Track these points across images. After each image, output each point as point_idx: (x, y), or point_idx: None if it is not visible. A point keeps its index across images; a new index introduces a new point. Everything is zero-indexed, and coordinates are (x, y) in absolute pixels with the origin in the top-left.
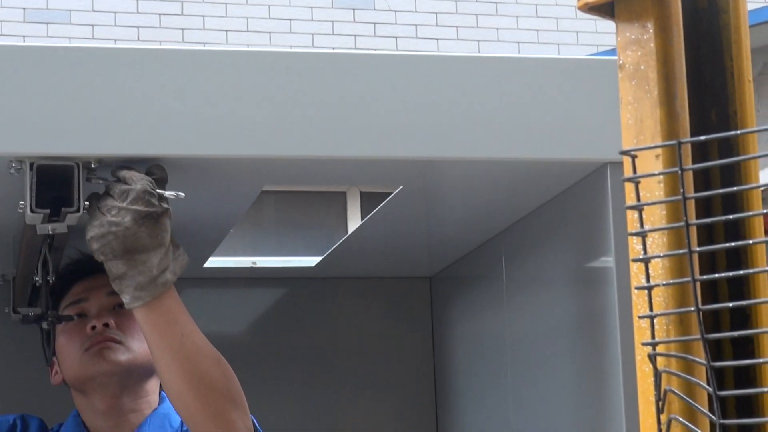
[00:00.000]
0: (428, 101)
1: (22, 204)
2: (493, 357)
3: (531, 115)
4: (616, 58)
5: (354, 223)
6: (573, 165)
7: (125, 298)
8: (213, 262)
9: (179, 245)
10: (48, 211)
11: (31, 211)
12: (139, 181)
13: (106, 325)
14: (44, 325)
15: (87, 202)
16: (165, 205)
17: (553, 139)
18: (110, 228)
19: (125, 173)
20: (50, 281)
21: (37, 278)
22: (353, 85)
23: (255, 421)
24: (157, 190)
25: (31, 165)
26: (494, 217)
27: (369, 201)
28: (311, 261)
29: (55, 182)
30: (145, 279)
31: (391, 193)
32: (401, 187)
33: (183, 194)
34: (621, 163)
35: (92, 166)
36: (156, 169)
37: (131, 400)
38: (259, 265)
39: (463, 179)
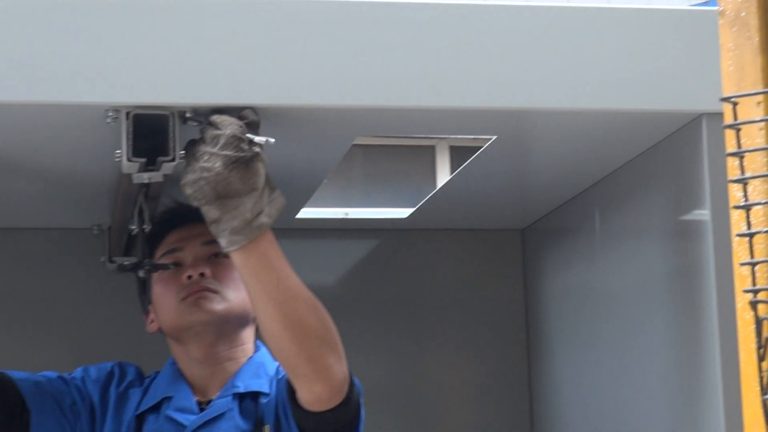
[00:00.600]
0: (522, 51)
1: (118, 153)
2: (586, 310)
3: (626, 65)
4: (710, 8)
5: (443, 177)
6: (668, 116)
7: (222, 242)
8: (305, 213)
9: (275, 187)
10: (144, 160)
11: (128, 160)
12: (228, 126)
13: (202, 274)
14: (140, 273)
15: (183, 151)
16: (256, 149)
17: (649, 90)
18: (202, 173)
19: (217, 118)
20: (146, 230)
21: (133, 227)
22: (447, 35)
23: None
24: (247, 135)
25: (127, 114)
26: (588, 169)
27: (458, 155)
28: (403, 212)
29: (151, 131)
30: (240, 223)
31: (482, 146)
32: (495, 137)
33: (273, 140)
34: (717, 114)
35: (187, 115)
36: (248, 113)
37: (227, 348)
38: (351, 216)
39: (557, 130)
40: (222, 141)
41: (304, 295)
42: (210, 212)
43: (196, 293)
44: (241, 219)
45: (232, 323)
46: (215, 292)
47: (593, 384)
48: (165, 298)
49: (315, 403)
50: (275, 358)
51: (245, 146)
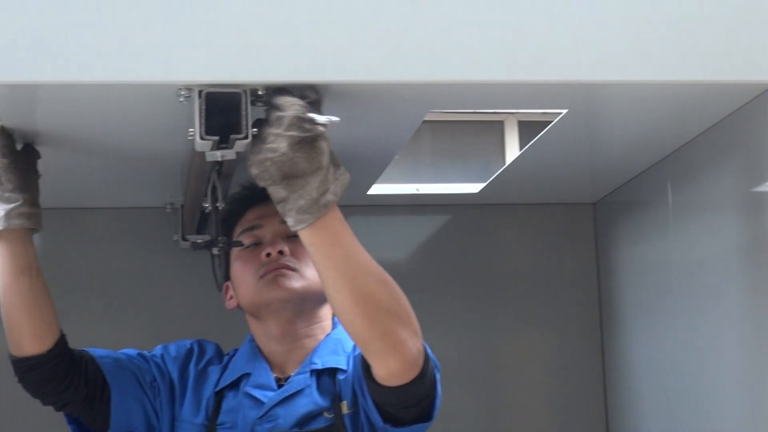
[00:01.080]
0: (593, 24)
1: (191, 132)
2: (660, 284)
3: (698, 36)
4: None
5: (512, 152)
6: (739, 87)
7: (289, 221)
8: (376, 189)
9: (340, 164)
10: (217, 138)
11: (201, 138)
12: (291, 107)
13: (281, 252)
14: (215, 251)
15: (255, 129)
16: (319, 129)
17: (720, 62)
18: (267, 154)
19: (279, 99)
20: (219, 208)
21: (206, 205)
22: (517, 8)
23: (425, 343)
24: (309, 115)
25: (200, 93)
26: (659, 142)
27: (527, 130)
28: (475, 187)
29: (223, 109)
30: (306, 202)
31: (552, 121)
32: (566, 111)
33: (337, 119)
34: None
35: (259, 93)
36: (309, 92)
37: (305, 325)
38: (422, 191)
39: (629, 103)
40: (286, 122)
41: (373, 270)
42: (277, 192)
43: (275, 271)
44: (308, 198)
45: (310, 301)
46: (294, 270)
47: (667, 359)
48: (244, 275)
49: (389, 378)
50: (348, 334)
51: (308, 126)
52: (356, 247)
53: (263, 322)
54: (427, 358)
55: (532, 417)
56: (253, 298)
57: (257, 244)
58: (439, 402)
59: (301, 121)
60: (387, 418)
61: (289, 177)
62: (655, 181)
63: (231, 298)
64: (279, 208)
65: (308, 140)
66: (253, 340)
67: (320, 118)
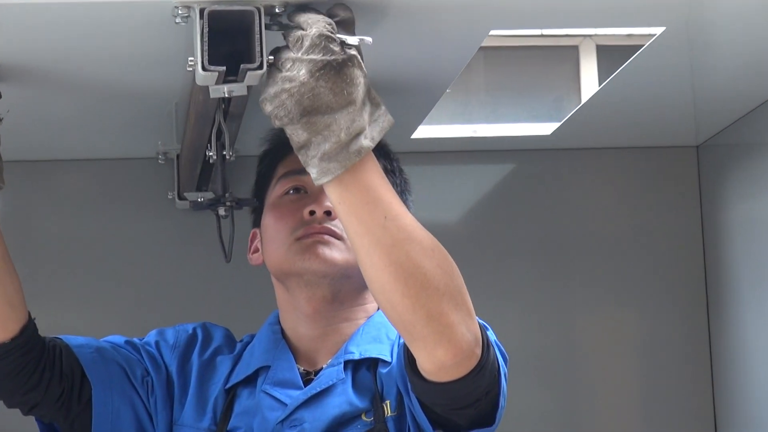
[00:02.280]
0: None
1: (191, 61)
2: None
3: None
4: None
5: (589, 84)
6: None
7: (312, 173)
8: (423, 131)
9: (380, 103)
10: (224, 68)
11: (203, 69)
12: (314, 24)
13: (328, 213)
14: (221, 211)
15: (271, 57)
16: (350, 52)
17: None
18: (284, 85)
19: (300, 16)
20: (227, 157)
21: (210, 154)
22: None
23: (486, 326)
24: (338, 35)
25: (202, 11)
26: None
27: (607, 56)
28: (547, 128)
29: (231, 33)
30: (333, 146)
31: (639, 45)
32: (662, 29)
33: (370, 39)
34: None
35: (276, 10)
36: (339, 10)
37: (345, 307)
38: (480, 134)
39: (739, 19)
40: (307, 43)
41: (419, 237)
42: (296, 134)
43: (316, 235)
44: (335, 141)
45: (354, 279)
46: (339, 238)
47: None
48: (277, 231)
49: (438, 371)
50: (387, 317)
51: (335, 47)
52: (397, 207)
53: (292, 294)
54: (486, 346)
55: (621, 414)
56: (282, 263)
57: (299, 191)
58: (503, 401)
59: (327, 41)
60: (437, 423)
61: (311, 113)
62: None
63: (256, 251)
64: (300, 156)
65: (335, 66)
66: (275, 323)
67: (351, 39)
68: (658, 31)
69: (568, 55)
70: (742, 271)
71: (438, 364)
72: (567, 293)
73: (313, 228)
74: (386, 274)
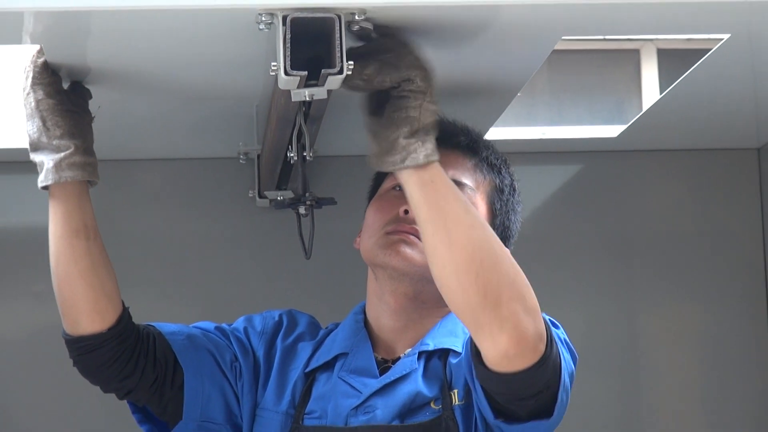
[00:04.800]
0: None
1: (274, 66)
2: None
3: None
4: None
5: (650, 87)
6: None
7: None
8: (494, 133)
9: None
10: (305, 73)
11: (286, 73)
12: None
13: None
14: (301, 210)
15: (351, 62)
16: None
17: None
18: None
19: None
20: (307, 158)
21: (291, 155)
22: None
23: (556, 324)
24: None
25: (284, 18)
26: None
27: (668, 60)
28: (614, 131)
29: (313, 39)
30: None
31: (699, 49)
32: (727, 36)
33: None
34: None
35: (356, 18)
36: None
37: (427, 306)
38: (549, 136)
39: None
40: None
41: (484, 228)
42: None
43: (403, 234)
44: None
45: (434, 283)
46: None
47: None
48: (373, 222)
49: (501, 360)
50: (452, 309)
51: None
52: (464, 197)
53: (380, 284)
54: (550, 342)
55: (683, 408)
56: (369, 252)
57: (402, 189)
58: (565, 397)
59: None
60: (499, 412)
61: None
62: None
63: (359, 237)
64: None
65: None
66: (360, 313)
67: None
68: (723, 37)
69: (630, 58)
70: None
71: (501, 352)
72: (632, 290)
73: (402, 227)
74: (462, 257)
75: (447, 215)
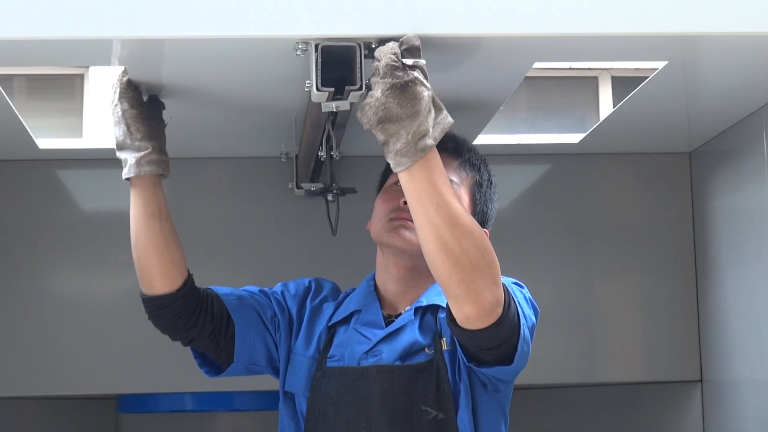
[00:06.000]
0: None
1: (308, 83)
2: (755, 232)
3: None
4: None
5: (606, 106)
6: None
7: (390, 163)
8: (481, 139)
9: (442, 108)
10: (332, 89)
11: (317, 89)
12: (384, 57)
13: None
14: (329, 197)
15: (368, 80)
16: (412, 74)
17: None
18: (368, 100)
19: (378, 51)
20: (334, 156)
21: (321, 153)
22: None
23: (521, 285)
24: (403, 60)
25: (317, 46)
26: (755, 92)
27: (620, 85)
28: (576, 138)
29: (339, 62)
30: (402, 146)
31: (644, 77)
32: (665, 63)
33: (424, 61)
34: None
35: (373, 46)
36: (408, 38)
37: (423, 276)
38: (524, 142)
39: (727, 55)
40: (381, 71)
41: (462, 222)
42: (377, 135)
43: (402, 220)
44: (403, 142)
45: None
46: None
47: (762, 305)
48: (379, 210)
49: (465, 321)
50: (434, 278)
51: (399, 73)
52: (448, 197)
53: (386, 258)
54: (507, 307)
55: (627, 358)
56: (377, 234)
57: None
58: (525, 347)
59: (393, 69)
60: (471, 358)
61: (384, 122)
62: (750, 131)
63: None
64: (384, 150)
65: (398, 86)
66: (371, 280)
67: (409, 62)
68: (660, 65)
69: (590, 83)
70: (724, 251)
71: (465, 316)
72: (589, 263)
73: (402, 214)
74: (433, 245)
75: (422, 213)
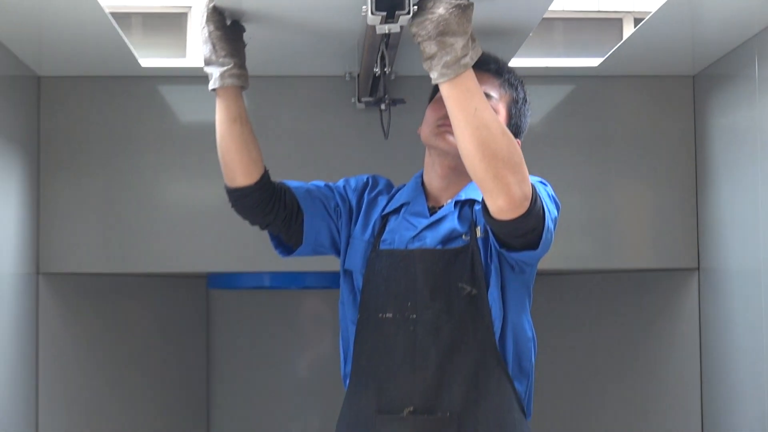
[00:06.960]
0: None
1: (364, 8)
2: (746, 149)
3: None
4: None
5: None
6: None
7: (433, 75)
8: (515, 62)
9: (476, 38)
10: (384, 13)
11: (372, 14)
12: None
13: None
14: (381, 107)
15: (415, 6)
16: (472, 0)
17: None
18: (427, 15)
19: None
20: (387, 72)
21: (376, 70)
22: None
23: (545, 183)
24: None
25: None
26: (749, 21)
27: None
28: (595, 61)
29: None
30: (451, 59)
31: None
32: None
33: None
34: None
35: None
36: None
37: (463, 175)
38: (552, 65)
39: None
40: None
41: (495, 124)
42: (429, 47)
43: (447, 126)
44: (453, 55)
45: None
46: None
47: (753, 210)
48: (428, 117)
49: (498, 212)
50: (469, 174)
51: None
52: (484, 103)
53: (432, 158)
54: (534, 202)
55: (636, 249)
56: (426, 138)
57: None
58: (548, 236)
59: None
60: (501, 244)
61: (442, 35)
62: (744, 57)
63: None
64: (426, 64)
65: (461, 7)
66: (419, 177)
67: None
68: None
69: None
70: (721, 165)
71: (498, 208)
72: (604, 170)
73: (447, 122)
74: (471, 145)
75: (462, 118)
